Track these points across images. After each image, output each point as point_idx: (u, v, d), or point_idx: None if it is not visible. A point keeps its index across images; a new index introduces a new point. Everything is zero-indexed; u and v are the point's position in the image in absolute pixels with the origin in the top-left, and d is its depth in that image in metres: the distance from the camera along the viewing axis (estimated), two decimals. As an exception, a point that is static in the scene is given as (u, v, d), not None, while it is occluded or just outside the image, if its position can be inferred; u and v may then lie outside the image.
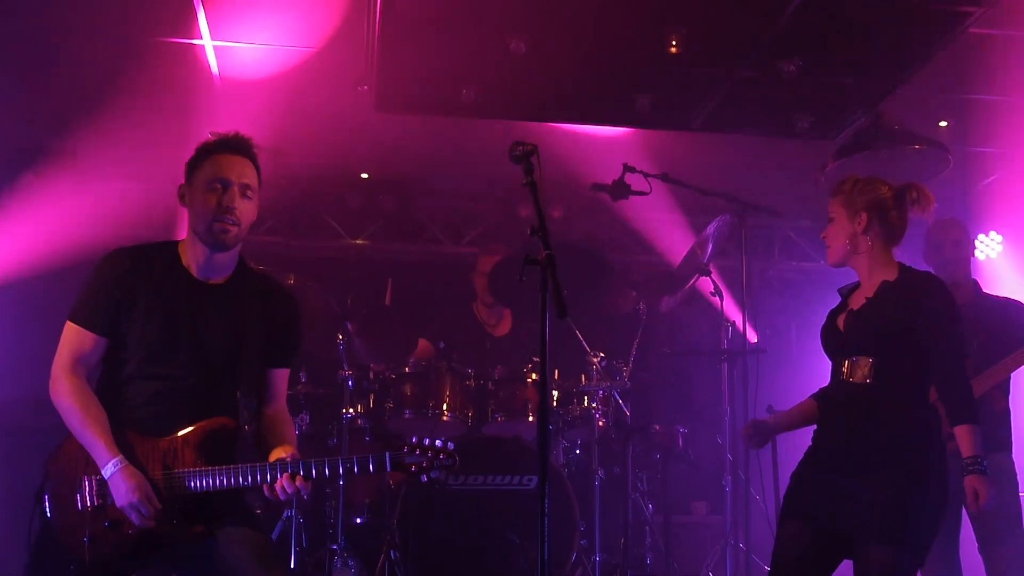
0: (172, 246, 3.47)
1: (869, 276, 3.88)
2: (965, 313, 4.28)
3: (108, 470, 3.09)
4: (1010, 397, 5.13)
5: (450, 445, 3.24)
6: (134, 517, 3.06)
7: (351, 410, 5.85)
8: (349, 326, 5.84)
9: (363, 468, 3.23)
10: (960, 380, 3.79)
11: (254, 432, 3.53)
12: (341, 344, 5.78)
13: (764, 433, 4.26)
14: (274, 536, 5.58)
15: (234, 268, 3.48)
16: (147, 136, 6.35)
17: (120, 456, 3.10)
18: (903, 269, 3.87)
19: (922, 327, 3.72)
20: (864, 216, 3.80)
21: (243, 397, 3.46)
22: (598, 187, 5.88)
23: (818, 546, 3.80)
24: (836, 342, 3.95)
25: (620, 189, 5.79)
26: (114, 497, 3.08)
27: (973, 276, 5.45)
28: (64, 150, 6.76)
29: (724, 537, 6.34)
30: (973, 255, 5.58)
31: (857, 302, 3.90)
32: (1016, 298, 5.43)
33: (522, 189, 2.98)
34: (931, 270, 4.72)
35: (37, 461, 3.42)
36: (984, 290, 5.40)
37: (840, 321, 3.96)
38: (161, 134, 6.26)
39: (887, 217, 3.85)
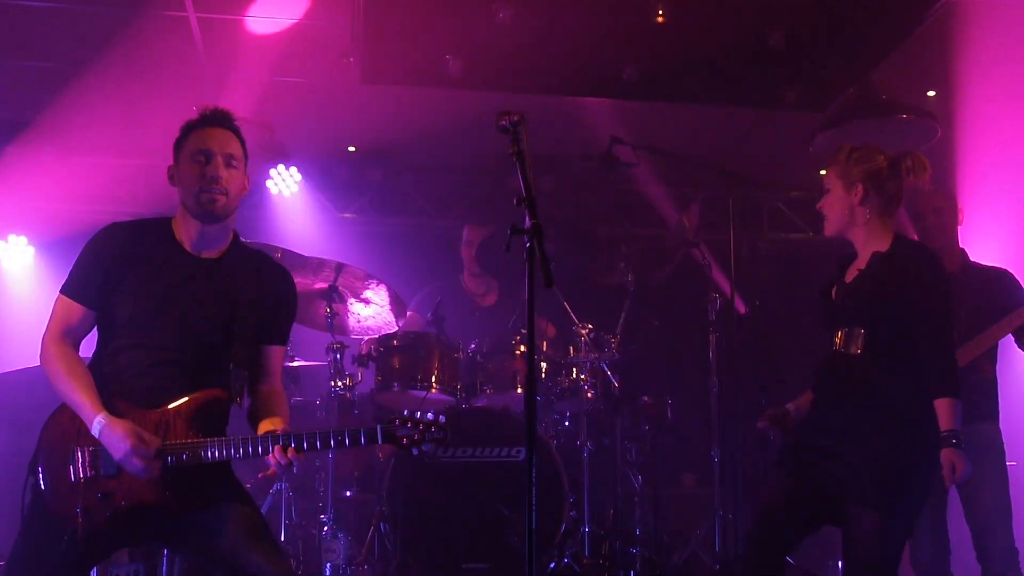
0: (166, 222, 3.49)
1: (864, 247, 3.87)
2: (952, 282, 4.30)
3: (96, 428, 3.09)
4: (997, 366, 5.07)
5: (441, 418, 3.24)
6: (134, 465, 3.04)
7: (339, 383, 5.87)
8: (336, 299, 5.82)
9: (355, 440, 3.23)
10: (944, 352, 3.79)
11: (248, 408, 3.54)
12: (328, 317, 5.77)
13: (784, 419, 4.18)
14: (263, 510, 5.51)
15: (228, 243, 3.49)
16: (131, 110, 6.34)
17: (104, 412, 3.11)
18: (896, 239, 3.86)
19: (909, 298, 3.71)
20: (861, 187, 3.77)
21: (235, 370, 3.46)
22: (587, 158, 5.90)
23: (802, 500, 3.86)
24: (829, 313, 3.94)
25: (608, 161, 5.80)
26: (111, 453, 3.09)
27: (960, 245, 5.26)
28: (49, 124, 6.76)
29: (712, 508, 6.34)
30: (959, 224, 5.63)
31: (851, 274, 3.90)
32: (1004, 267, 5.36)
33: (510, 160, 2.93)
34: (915, 238, 4.73)
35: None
36: (972, 259, 5.24)
37: (833, 292, 3.96)
38: (145, 108, 6.25)
39: (884, 187, 3.82)
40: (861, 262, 3.87)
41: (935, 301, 3.76)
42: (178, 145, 3.36)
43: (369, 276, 5.91)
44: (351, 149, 7.59)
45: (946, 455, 3.61)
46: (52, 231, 7.62)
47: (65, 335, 3.30)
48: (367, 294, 6.05)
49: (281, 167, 7.27)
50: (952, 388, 3.72)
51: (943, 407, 3.68)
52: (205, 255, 3.45)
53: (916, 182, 3.92)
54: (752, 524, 4.29)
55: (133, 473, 3.13)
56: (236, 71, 5.79)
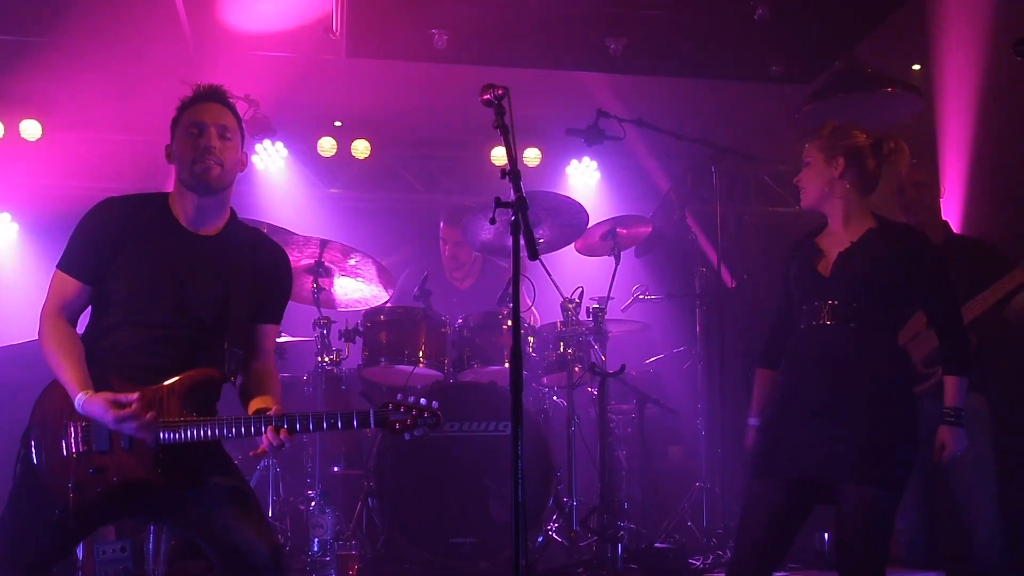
0: (162, 197, 3.54)
1: (846, 222, 3.91)
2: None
3: (78, 403, 3.13)
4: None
5: (434, 404, 3.30)
6: (128, 429, 3.10)
7: (326, 358, 5.89)
8: (323, 274, 5.85)
9: (347, 424, 3.28)
10: (959, 332, 3.96)
11: (240, 386, 3.60)
12: (315, 292, 5.78)
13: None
14: (251, 485, 5.57)
15: (225, 220, 3.54)
16: (116, 85, 6.36)
17: (85, 390, 3.16)
18: (881, 219, 3.94)
19: (915, 280, 3.83)
20: (842, 161, 3.82)
21: (229, 349, 3.50)
22: (572, 132, 5.93)
23: (790, 501, 3.89)
24: (817, 286, 3.97)
25: (594, 134, 5.82)
26: (103, 423, 3.16)
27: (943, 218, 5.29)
28: (32, 99, 6.77)
29: (700, 481, 6.43)
30: (941, 196, 5.68)
31: (840, 245, 3.93)
32: (985, 239, 5.38)
33: (496, 134, 3.01)
34: (899, 211, 4.92)
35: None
36: (955, 231, 5.35)
37: (821, 265, 3.97)
38: (130, 84, 6.27)
39: (864, 164, 3.89)
40: (852, 234, 3.92)
41: (945, 282, 3.91)
42: (174, 123, 3.40)
43: (354, 251, 5.93)
44: (337, 124, 7.62)
45: (941, 432, 3.79)
46: (36, 207, 7.63)
47: (62, 310, 3.35)
48: (353, 268, 6.09)
49: (267, 142, 7.26)
50: (963, 367, 3.87)
51: (950, 383, 3.84)
52: (202, 232, 3.48)
53: (895, 167, 4.07)
54: (745, 542, 4.20)
55: (132, 436, 3.17)
56: (221, 45, 5.81)
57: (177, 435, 3.19)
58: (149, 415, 3.13)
